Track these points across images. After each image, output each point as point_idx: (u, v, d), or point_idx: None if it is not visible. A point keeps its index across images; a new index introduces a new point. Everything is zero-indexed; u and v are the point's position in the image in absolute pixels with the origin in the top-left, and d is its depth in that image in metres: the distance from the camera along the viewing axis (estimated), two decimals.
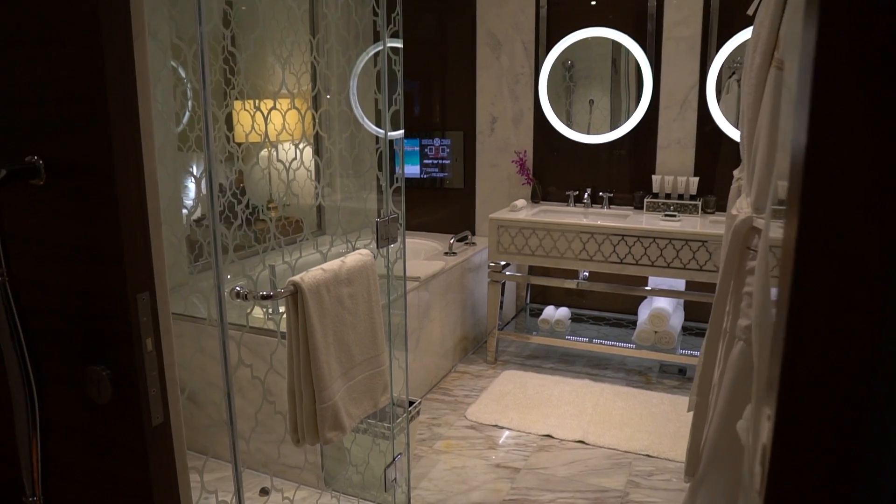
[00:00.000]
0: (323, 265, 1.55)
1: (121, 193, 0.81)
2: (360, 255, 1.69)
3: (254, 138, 3.72)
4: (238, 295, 1.41)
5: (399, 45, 2.07)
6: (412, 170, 4.09)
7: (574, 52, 3.57)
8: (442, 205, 4.12)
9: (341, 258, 1.63)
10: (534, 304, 3.96)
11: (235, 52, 2.91)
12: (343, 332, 1.58)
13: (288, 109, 3.34)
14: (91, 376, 0.86)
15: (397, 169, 2.13)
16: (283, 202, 3.68)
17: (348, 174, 4.00)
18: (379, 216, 1.89)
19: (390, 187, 1.99)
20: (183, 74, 3.29)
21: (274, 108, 1.85)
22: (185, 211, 3.00)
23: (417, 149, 4.06)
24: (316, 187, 4.21)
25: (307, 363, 1.47)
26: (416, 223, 4.19)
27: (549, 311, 3.60)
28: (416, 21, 3.95)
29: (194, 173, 3.72)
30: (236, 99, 3.49)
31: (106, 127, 0.82)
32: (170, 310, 1.10)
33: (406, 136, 4.06)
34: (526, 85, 3.72)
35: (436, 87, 4.00)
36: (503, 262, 3.46)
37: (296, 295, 1.45)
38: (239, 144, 3.70)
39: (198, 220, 3.60)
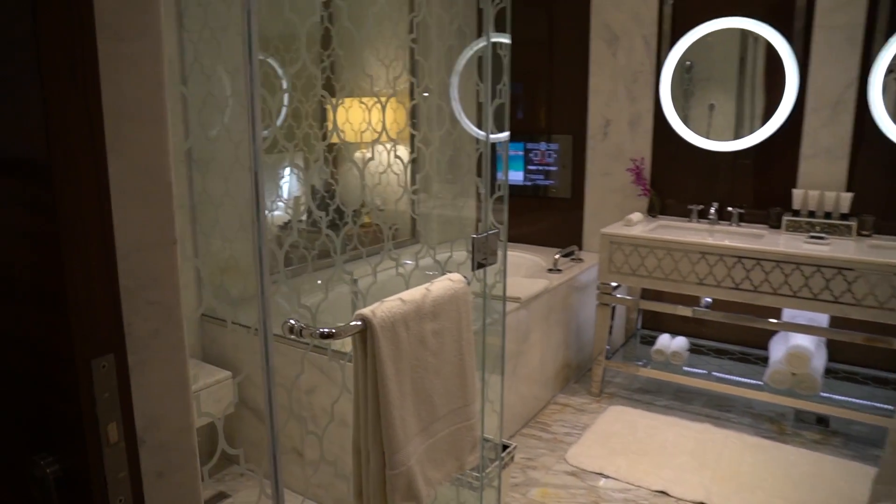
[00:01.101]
0: (402, 294, 1.26)
1: (61, 203, 0.54)
2: (449, 282, 1.39)
3: (349, 138, 3.54)
4: (292, 330, 1.15)
5: (507, 40, 1.76)
6: (515, 176, 3.77)
7: (694, 51, 3.14)
8: (546, 215, 3.77)
9: (426, 285, 1.34)
10: (646, 331, 3.53)
11: (334, 48, 2.71)
12: (424, 378, 1.29)
13: (377, 107, 3.11)
14: (34, 471, 0.60)
15: (500, 175, 1.84)
16: (376, 208, 3.45)
17: (445, 179, 3.73)
18: (476, 230, 1.59)
19: (491, 196, 1.68)
20: (279, 72, 3.12)
21: (380, 104, 1.58)
22: (269, 215, 2.82)
23: (521, 153, 3.73)
24: (409, 193, 3.95)
25: (376, 419, 1.19)
26: (517, 234, 3.86)
27: (665, 341, 3.18)
28: (523, 18, 3.63)
29: (284, 176, 3.59)
30: (331, 97, 3.30)
31: (39, 101, 0.55)
32: (187, 374, 0.85)
33: (512, 139, 3.75)
34: (645, 84, 3.31)
35: (542, 88, 3.66)
36: (614, 284, 3.07)
37: (364, 332, 1.17)
38: (331, 145, 3.53)
39: (283, 226, 3.43)
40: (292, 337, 1.17)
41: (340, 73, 3.14)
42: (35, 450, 0.60)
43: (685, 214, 3.29)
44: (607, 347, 3.16)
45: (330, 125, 3.47)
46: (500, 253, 1.67)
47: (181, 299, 0.87)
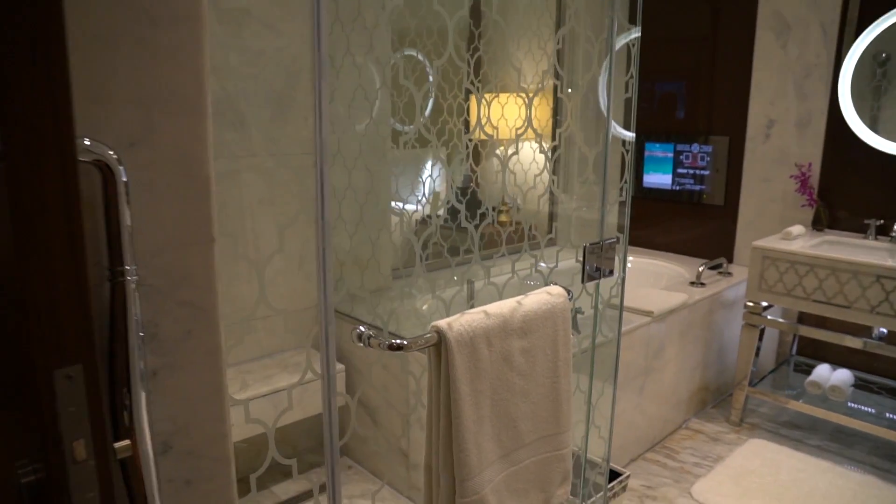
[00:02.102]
0: (488, 307, 1.15)
1: (17, 199, 0.48)
2: (546, 296, 1.25)
3: (491, 134, 3.46)
4: (360, 338, 1.08)
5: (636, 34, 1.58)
6: (662, 179, 3.49)
7: (890, 41, 2.69)
8: (694, 223, 3.45)
9: (518, 298, 1.21)
10: (801, 358, 3.13)
11: (477, 43, 2.64)
12: (508, 401, 1.16)
13: (522, 103, 3.00)
14: (13, 479, 0.56)
15: (646, 178, 1.66)
16: (515, 206, 3.35)
17: (588, 180, 3.53)
18: (587, 250, 1.43)
19: (620, 196, 1.52)
20: (428, 69, 3.10)
21: (525, 99, 1.48)
22: (400, 207, 2.79)
23: (671, 155, 3.45)
24: (549, 191, 3.81)
25: (448, 440, 1.08)
26: (661, 242, 3.58)
27: (823, 372, 2.78)
28: (685, 15, 3.33)
29: (428, 170, 3.57)
30: (476, 91, 3.24)
31: None
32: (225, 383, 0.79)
33: (659, 140, 3.47)
34: (819, 80, 2.91)
35: (702, 87, 3.35)
36: (765, 303, 2.73)
37: (438, 346, 1.07)
38: (473, 140, 3.46)
39: (422, 221, 3.42)
40: (360, 345, 1.10)
41: (486, 66, 3.07)
42: (15, 456, 0.56)
43: (859, 230, 2.86)
44: (753, 369, 2.82)
45: (473, 120, 3.42)
46: (617, 262, 1.50)
47: (218, 300, 0.82)
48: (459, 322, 1.08)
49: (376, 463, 2.49)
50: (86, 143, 0.65)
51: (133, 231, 0.71)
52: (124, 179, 0.68)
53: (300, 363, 2.41)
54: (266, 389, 2.19)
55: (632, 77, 1.48)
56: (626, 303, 2.57)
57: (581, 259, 1.36)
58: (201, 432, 0.82)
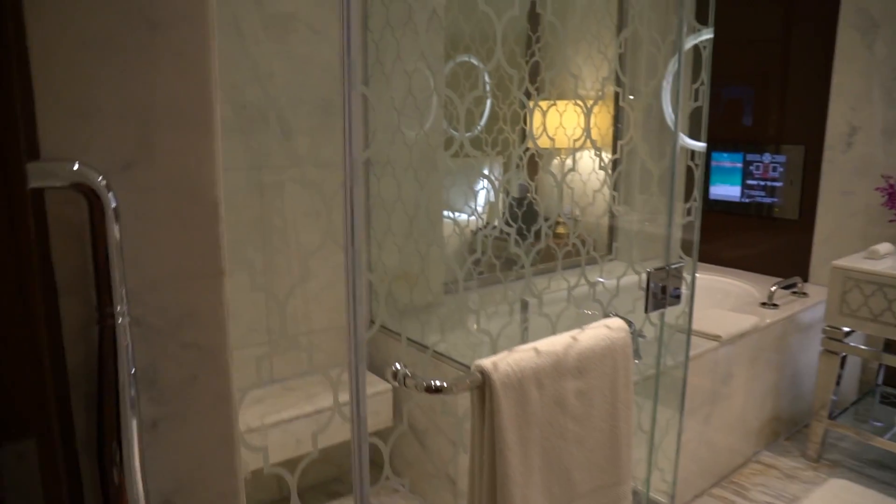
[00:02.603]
0: (539, 343, 1.02)
1: None
2: (605, 330, 1.12)
3: (546, 144, 3.32)
4: (395, 377, 0.97)
5: (709, 34, 1.43)
6: (731, 191, 3.28)
7: None
8: (765, 238, 3.23)
9: (573, 333, 1.08)
10: (889, 389, 2.86)
11: (534, 48, 2.52)
12: (561, 449, 1.03)
13: (580, 111, 2.85)
14: None
15: (713, 191, 1.50)
16: (573, 217, 3.21)
17: (650, 191, 3.35)
18: (650, 276, 1.28)
19: (686, 215, 1.37)
20: (487, 78, 3.00)
21: (583, 107, 1.36)
22: (454, 217, 2.68)
23: (740, 165, 3.23)
24: (610, 204, 3.64)
25: (492, 493, 0.96)
26: (729, 257, 3.36)
27: None
28: (754, 14, 3.13)
29: (483, 181, 3.46)
30: (530, 98, 3.12)
31: None
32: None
33: (728, 149, 3.27)
34: None
35: (773, 92, 3.13)
36: (846, 329, 2.50)
37: (483, 388, 0.95)
38: (529, 150, 3.33)
39: (477, 232, 3.31)
40: (396, 384, 0.99)
41: (543, 72, 2.93)
42: None
43: None
44: (833, 398, 2.58)
45: (529, 129, 3.29)
46: (685, 289, 1.35)
47: (229, 340, 0.72)
48: (506, 361, 0.96)
49: (424, 487, 2.38)
50: (69, 165, 0.56)
51: (128, 264, 0.62)
52: (114, 206, 0.59)
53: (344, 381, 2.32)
54: (308, 409, 2.11)
55: (702, 83, 1.33)
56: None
57: (644, 286, 1.22)
58: (208, 489, 0.72)
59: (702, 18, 1.55)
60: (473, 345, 2.14)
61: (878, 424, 2.62)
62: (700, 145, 1.45)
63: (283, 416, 2.09)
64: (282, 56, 2.10)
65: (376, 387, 2.29)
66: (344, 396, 2.25)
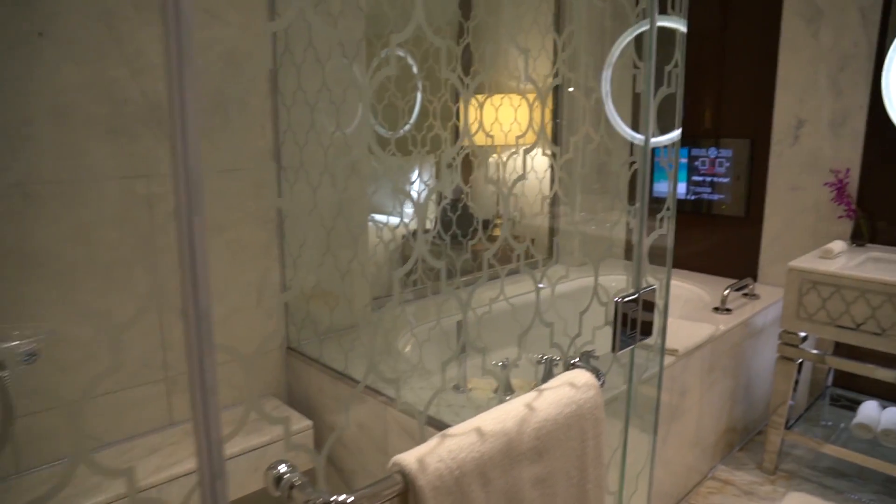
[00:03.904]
0: (482, 421, 0.75)
1: None
2: (570, 391, 0.87)
3: (480, 141, 3.07)
4: (278, 484, 0.69)
5: (681, 26, 1.20)
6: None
7: None
8: (712, 237, 3.08)
9: (528, 397, 0.82)
10: (840, 391, 2.76)
11: (467, 37, 2.27)
12: None
13: (514, 105, 2.60)
14: None
15: (661, 191, 1.28)
16: (511, 219, 2.98)
17: (591, 190, 3.16)
18: (619, 307, 1.04)
19: (659, 226, 1.13)
20: (414, 69, 2.71)
21: (524, 101, 1.09)
22: (383, 222, 2.39)
23: (685, 161, 3.07)
24: (548, 203, 3.42)
25: None
26: (676, 256, 3.19)
27: (871, 411, 2.40)
28: (693, 4, 2.96)
29: (412, 180, 3.19)
30: (463, 94, 2.86)
31: None
32: None
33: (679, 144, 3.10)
34: (857, 72, 2.54)
35: (711, 82, 2.97)
36: (802, 333, 2.36)
37: (406, 497, 0.68)
38: (464, 148, 3.08)
39: (407, 238, 3.04)
40: (277, 494, 0.71)
41: (477, 63, 2.68)
42: None
43: None
44: (791, 403, 2.43)
45: (462, 126, 3.04)
46: (657, 319, 1.12)
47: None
48: (438, 455, 0.69)
49: None
50: None
51: None
52: None
53: (259, 418, 2.01)
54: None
55: (676, 65, 1.10)
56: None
57: (612, 319, 0.98)
58: None
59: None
60: (402, 372, 1.87)
61: (835, 433, 2.49)
62: (638, 137, 1.22)
63: (184, 468, 1.77)
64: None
65: (298, 423, 1.99)
66: (258, 438, 1.94)
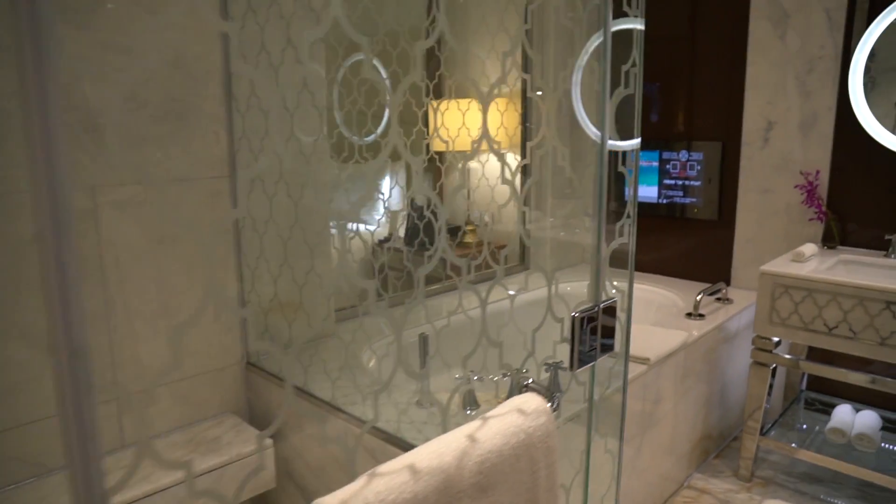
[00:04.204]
0: (416, 456, 0.69)
1: None
2: (518, 418, 0.80)
3: (439, 147, 3.01)
4: None
5: (638, 26, 1.15)
6: (648, 192, 3.08)
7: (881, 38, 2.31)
8: (685, 241, 3.05)
9: (470, 427, 0.75)
10: (813, 394, 2.73)
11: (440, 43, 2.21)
12: None
13: (480, 110, 2.55)
14: None
15: (629, 194, 1.23)
16: (483, 224, 2.94)
17: (563, 195, 3.12)
18: (576, 322, 0.98)
19: (619, 235, 1.08)
20: (383, 74, 2.64)
21: (490, 105, 1.03)
22: (352, 229, 2.32)
23: (656, 164, 3.04)
24: (519, 209, 3.36)
25: None
26: (648, 262, 3.17)
27: (844, 415, 2.38)
28: (657, 8, 2.94)
29: (381, 189, 3.12)
30: (433, 98, 2.81)
31: None
32: None
33: (643, 148, 3.06)
34: (826, 73, 2.53)
35: (681, 85, 2.95)
36: (776, 339, 2.33)
37: None
38: (440, 154, 3.02)
39: (382, 242, 2.98)
40: None
41: (443, 66, 2.63)
42: None
43: (877, 246, 2.47)
44: (766, 406, 2.39)
45: (431, 131, 2.99)
46: (619, 330, 1.07)
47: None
48: (363, 498, 0.62)
49: None
50: None
51: None
52: None
53: (218, 436, 1.93)
54: (166, 480, 1.70)
55: (634, 64, 1.05)
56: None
57: (569, 335, 0.92)
58: None
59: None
60: (366, 386, 1.80)
61: (806, 432, 2.47)
62: (628, 144, 1.18)
63: (133, 494, 1.68)
64: (111, 47, 1.68)
65: (253, 443, 1.90)
66: (215, 459, 1.85)
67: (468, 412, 1.68)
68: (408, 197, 3.09)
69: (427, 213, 2.71)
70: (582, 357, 0.94)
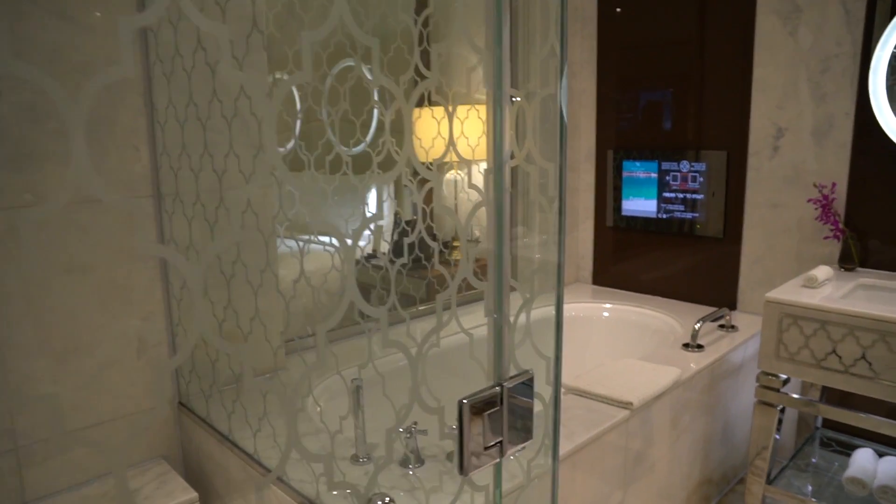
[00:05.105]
0: None
1: None
2: None
3: (435, 155, 2.78)
4: None
5: None
6: (646, 206, 2.81)
7: None
8: (686, 260, 2.77)
9: None
10: (830, 433, 2.43)
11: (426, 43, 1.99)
12: None
13: (454, 117, 2.30)
14: None
15: (626, 205, 0.97)
16: (474, 240, 2.72)
17: (549, 209, 2.85)
18: (464, 410, 0.73)
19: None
20: (369, 77, 2.42)
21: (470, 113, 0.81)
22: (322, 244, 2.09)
23: (655, 175, 2.77)
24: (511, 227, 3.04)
25: None
26: (646, 282, 2.90)
27: (865, 462, 2.08)
28: (670, 12, 2.67)
29: (368, 201, 2.91)
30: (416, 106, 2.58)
31: None
32: None
33: (640, 157, 2.80)
34: (842, 75, 2.24)
35: (692, 93, 2.67)
36: (784, 376, 2.05)
37: None
38: (428, 166, 2.80)
39: (368, 257, 2.76)
40: None
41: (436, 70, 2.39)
42: None
43: None
44: (776, 437, 2.10)
45: (416, 140, 2.76)
46: (544, 418, 0.82)
47: None
48: None
49: None
50: None
51: None
52: None
53: (137, 488, 1.70)
54: None
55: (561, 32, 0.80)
56: (592, 387, 1.88)
57: (457, 430, 0.68)
58: None
59: None
60: (311, 433, 1.56)
61: (820, 475, 2.18)
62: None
63: None
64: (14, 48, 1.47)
65: (176, 498, 1.67)
66: None
67: (410, 472, 1.44)
68: (394, 211, 2.88)
69: (410, 228, 2.50)
70: (478, 455, 0.69)
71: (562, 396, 1.90)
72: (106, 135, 1.63)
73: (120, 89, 1.64)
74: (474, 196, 2.65)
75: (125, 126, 1.66)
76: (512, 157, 0.78)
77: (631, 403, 1.76)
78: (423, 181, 2.71)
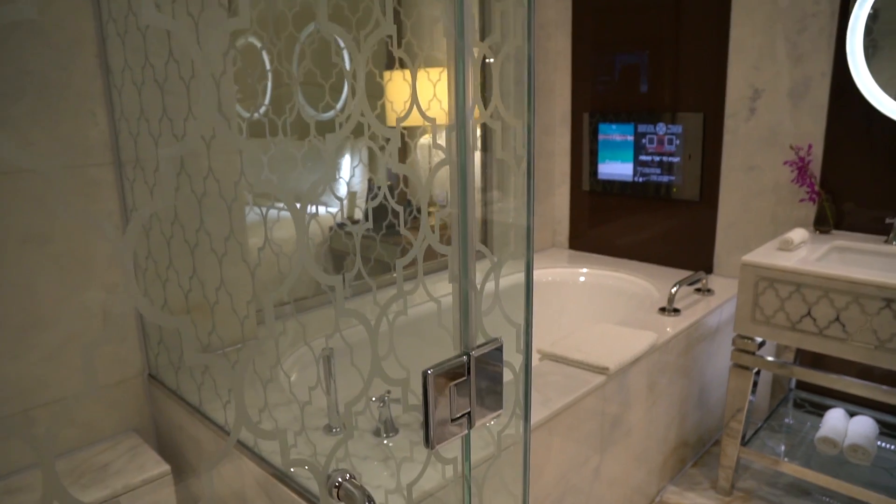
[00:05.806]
0: None
1: None
2: None
3: (411, 120, 2.72)
4: None
5: None
6: (622, 169, 2.79)
7: None
8: (663, 224, 2.76)
9: None
10: (803, 394, 2.46)
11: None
12: None
13: (428, 80, 2.27)
14: None
15: (602, 169, 0.93)
16: (440, 205, 2.68)
17: (517, 170, 2.81)
18: (428, 380, 0.70)
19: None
20: (341, 43, 2.32)
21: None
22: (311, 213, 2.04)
23: (631, 138, 2.74)
24: (482, 190, 3.10)
25: None
26: (622, 246, 2.88)
27: (837, 422, 2.11)
28: None
29: (342, 166, 2.85)
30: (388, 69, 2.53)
31: None
32: None
33: (616, 120, 2.76)
34: (820, 34, 2.21)
35: (669, 54, 2.62)
36: (759, 339, 2.05)
37: None
38: (403, 129, 2.73)
39: (339, 226, 2.71)
40: None
41: (409, 34, 2.33)
42: None
43: (876, 230, 2.19)
44: (752, 399, 2.12)
45: (388, 104, 2.69)
46: (512, 387, 0.79)
47: None
48: None
49: None
50: None
51: None
52: None
53: (107, 463, 1.67)
54: None
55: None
56: (568, 353, 1.87)
57: (423, 407, 0.65)
58: None
59: None
60: (283, 405, 1.54)
61: (793, 435, 2.21)
62: None
63: None
64: None
65: (148, 471, 1.63)
66: (96, 492, 1.59)
67: (385, 441, 1.42)
68: (368, 176, 2.83)
69: (384, 193, 2.45)
70: (445, 427, 0.66)
71: (538, 363, 1.89)
72: (58, 99, 1.55)
73: (69, 49, 1.56)
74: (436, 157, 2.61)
75: (79, 90, 1.58)
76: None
77: (607, 368, 1.75)
78: (387, 144, 2.65)
